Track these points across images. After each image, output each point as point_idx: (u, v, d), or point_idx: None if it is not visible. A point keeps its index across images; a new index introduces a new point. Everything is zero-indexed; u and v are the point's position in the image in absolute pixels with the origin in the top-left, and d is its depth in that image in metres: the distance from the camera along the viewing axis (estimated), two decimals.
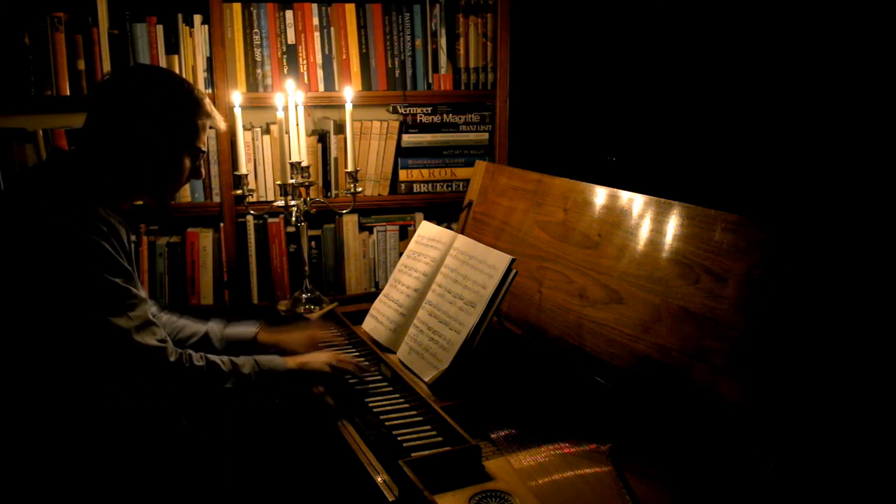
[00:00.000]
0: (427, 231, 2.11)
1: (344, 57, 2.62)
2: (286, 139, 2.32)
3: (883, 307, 1.18)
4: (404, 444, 1.53)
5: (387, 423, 1.63)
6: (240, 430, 1.99)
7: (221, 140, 2.53)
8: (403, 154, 2.74)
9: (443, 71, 2.72)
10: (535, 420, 1.57)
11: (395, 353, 1.92)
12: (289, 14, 2.56)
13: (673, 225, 1.57)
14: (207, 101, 1.70)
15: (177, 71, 2.45)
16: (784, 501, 1.23)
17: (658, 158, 2.76)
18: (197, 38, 2.49)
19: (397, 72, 2.68)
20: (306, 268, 2.45)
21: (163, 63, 2.46)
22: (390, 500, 1.36)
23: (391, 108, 2.72)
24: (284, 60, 2.58)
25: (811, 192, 2.19)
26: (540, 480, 1.36)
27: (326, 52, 2.61)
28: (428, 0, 2.65)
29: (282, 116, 2.29)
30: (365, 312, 2.15)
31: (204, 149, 1.71)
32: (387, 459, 1.47)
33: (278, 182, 2.38)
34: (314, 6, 2.56)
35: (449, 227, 2.20)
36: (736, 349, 1.37)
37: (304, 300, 2.40)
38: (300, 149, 2.34)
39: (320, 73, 2.62)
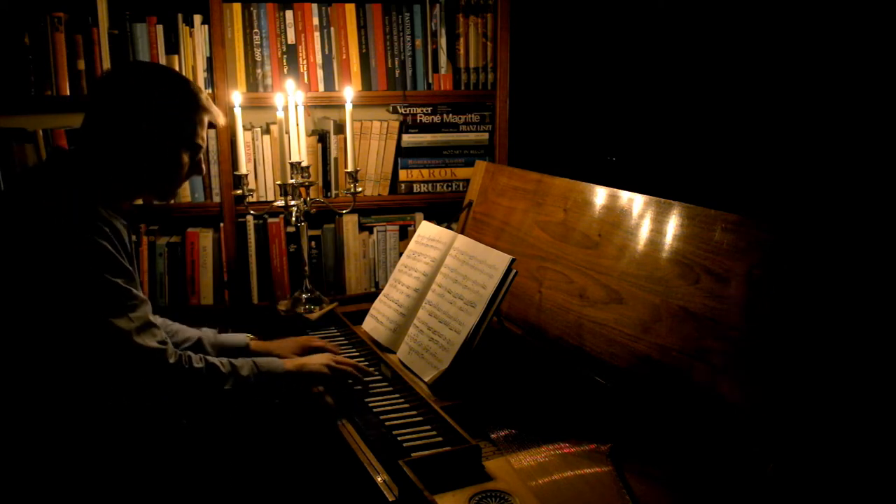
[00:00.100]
0: (427, 231, 2.11)
1: (344, 57, 2.62)
2: (286, 139, 2.32)
3: (883, 307, 1.18)
4: (404, 444, 1.53)
5: (387, 423, 1.63)
6: (240, 430, 1.99)
7: (221, 140, 2.53)
8: (403, 154, 2.74)
9: (443, 71, 2.72)
10: (535, 420, 1.57)
11: (395, 353, 1.92)
12: (289, 14, 2.55)
13: (673, 225, 1.57)
14: (205, 95, 1.69)
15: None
16: (784, 501, 1.23)
17: (658, 158, 2.76)
18: (197, 38, 2.48)
19: (397, 72, 2.68)
20: (306, 268, 2.45)
21: (163, 63, 2.45)
22: (390, 500, 1.36)
23: (391, 108, 2.72)
24: (284, 60, 2.58)
25: (811, 192, 2.19)
26: (540, 480, 1.36)
27: (326, 52, 2.61)
28: (428, 0, 2.65)
29: (282, 116, 2.29)
30: (365, 312, 2.15)
31: (203, 144, 1.70)
32: (387, 459, 1.47)
33: (278, 182, 2.38)
34: (314, 6, 2.56)
35: (449, 227, 2.20)
36: (736, 349, 1.37)
37: (304, 300, 2.40)
38: (300, 149, 2.34)
39: (320, 73, 2.62)
